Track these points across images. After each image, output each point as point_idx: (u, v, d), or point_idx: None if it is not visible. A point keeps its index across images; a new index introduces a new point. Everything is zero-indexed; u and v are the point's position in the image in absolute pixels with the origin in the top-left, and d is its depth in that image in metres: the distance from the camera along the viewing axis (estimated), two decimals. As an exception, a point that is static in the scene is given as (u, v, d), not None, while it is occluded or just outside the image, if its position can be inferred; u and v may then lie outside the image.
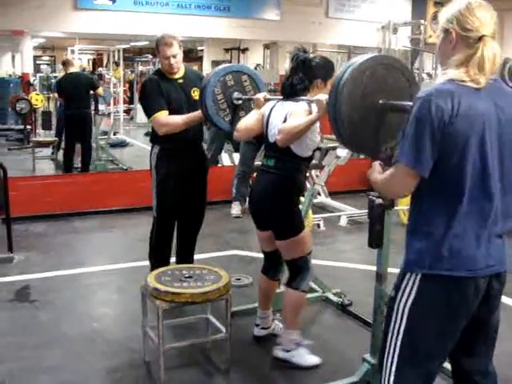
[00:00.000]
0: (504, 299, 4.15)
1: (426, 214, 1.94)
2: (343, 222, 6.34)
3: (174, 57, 3.86)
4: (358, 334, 3.66)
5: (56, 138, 9.58)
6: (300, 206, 3.32)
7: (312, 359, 3.28)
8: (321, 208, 6.85)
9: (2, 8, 6.41)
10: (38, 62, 17.42)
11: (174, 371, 3.19)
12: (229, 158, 7.68)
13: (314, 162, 6.14)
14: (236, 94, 3.66)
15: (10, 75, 14.80)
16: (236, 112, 3.68)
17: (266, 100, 3.32)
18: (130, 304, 4.06)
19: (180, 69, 3.97)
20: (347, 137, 2.39)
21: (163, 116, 3.80)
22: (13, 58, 17.76)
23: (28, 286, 4.43)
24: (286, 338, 3.27)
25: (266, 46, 11.85)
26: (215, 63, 11.16)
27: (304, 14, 7.84)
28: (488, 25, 1.88)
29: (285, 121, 3.01)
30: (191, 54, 15.30)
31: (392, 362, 2.00)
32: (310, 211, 5.24)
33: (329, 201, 6.96)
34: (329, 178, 6.30)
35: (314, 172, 6.60)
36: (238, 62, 11.95)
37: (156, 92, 3.84)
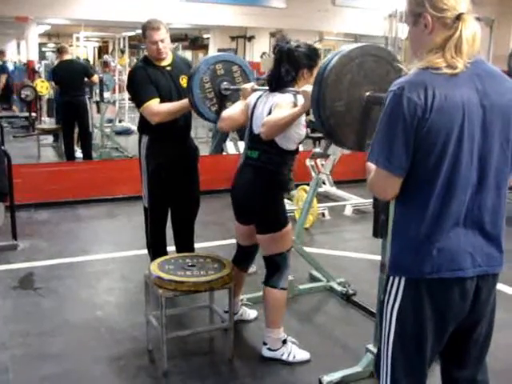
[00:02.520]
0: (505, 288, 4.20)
1: (405, 216, 1.83)
2: (348, 211, 6.31)
3: (162, 41, 3.79)
4: (362, 324, 3.64)
5: (60, 126, 9.57)
6: (285, 199, 3.22)
7: (301, 355, 3.23)
8: (326, 197, 6.82)
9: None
10: (43, 49, 17.37)
11: (176, 360, 3.18)
12: (234, 147, 7.64)
13: (319, 150, 6.19)
14: (224, 84, 3.61)
15: (15, 62, 14.79)
16: (223, 102, 3.62)
17: (254, 90, 3.22)
18: (133, 292, 4.06)
19: (168, 55, 3.91)
20: (329, 127, 2.31)
21: (155, 104, 3.73)
22: (18, 45, 17.73)
23: (32, 273, 4.43)
24: (271, 337, 3.20)
25: (272, 35, 11.78)
26: (221, 51, 11.10)
27: (310, 1, 7.78)
28: (463, 1, 1.73)
29: (270, 113, 2.92)
30: (197, 42, 15.21)
31: (387, 370, 1.91)
32: (315, 200, 5.21)
33: (334, 190, 6.93)
34: (334, 167, 6.30)
35: (319, 161, 6.57)
36: (244, 50, 11.90)
37: (145, 80, 3.78)
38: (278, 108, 2.87)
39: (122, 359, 3.21)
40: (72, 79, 7.83)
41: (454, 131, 1.67)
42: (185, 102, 3.71)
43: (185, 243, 4.19)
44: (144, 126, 3.92)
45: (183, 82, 3.83)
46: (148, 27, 3.80)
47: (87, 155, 8.12)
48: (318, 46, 9.75)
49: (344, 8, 8.03)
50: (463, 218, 1.76)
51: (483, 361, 2.02)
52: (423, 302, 1.80)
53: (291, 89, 2.96)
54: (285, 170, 3.06)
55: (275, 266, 3.14)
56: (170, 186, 4.02)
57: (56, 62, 9.45)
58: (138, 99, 3.81)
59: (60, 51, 8.18)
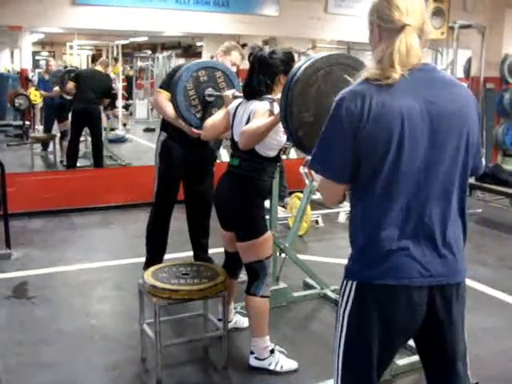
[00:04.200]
0: (505, 297, 4.22)
1: (355, 220, 1.84)
2: (342, 218, 6.33)
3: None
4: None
5: (54, 134, 9.56)
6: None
7: (289, 364, 3.21)
8: (319, 204, 6.81)
9: (-1, 3, 6.39)
10: (37, 57, 17.36)
11: (171, 368, 3.18)
12: (227, 154, 7.64)
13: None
14: (208, 91, 3.64)
15: (8, 71, 14.76)
16: (207, 109, 3.66)
17: (234, 97, 3.22)
18: (127, 300, 4.06)
19: None
20: (297, 138, 2.32)
21: (162, 95, 3.89)
22: (11, 53, 17.69)
23: (26, 282, 4.42)
24: (258, 346, 3.17)
25: (265, 42, 11.81)
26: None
27: (303, 9, 7.79)
28: (411, 13, 1.72)
29: (248, 120, 2.92)
30: (190, 50, 15.24)
31: (338, 374, 1.91)
32: (309, 207, 5.22)
33: (328, 197, 6.93)
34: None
35: (312, 168, 6.59)
36: (237, 57, 11.93)
37: (171, 74, 3.96)
38: (255, 116, 2.86)
39: (117, 368, 3.21)
40: (92, 89, 7.82)
41: (393, 139, 1.68)
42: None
43: (198, 244, 4.33)
44: (165, 123, 4.06)
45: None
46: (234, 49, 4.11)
47: (99, 163, 8.05)
48: (310, 53, 9.82)
49: (336, 16, 8.05)
50: (411, 226, 1.74)
51: (464, 369, 1.94)
52: (369, 307, 1.79)
53: (268, 96, 2.94)
54: (265, 177, 3.06)
55: (255, 274, 3.12)
56: (179, 186, 4.17)
57: (56, 71, 9.56)
58: (160, 83, 4.15)
59: (99, 62, 8.42)
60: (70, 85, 8.02)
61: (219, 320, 3.42)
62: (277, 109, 2.80)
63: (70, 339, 3.53)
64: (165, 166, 4.08)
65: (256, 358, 3.20)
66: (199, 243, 4.37)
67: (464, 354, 1.93)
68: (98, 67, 8.27)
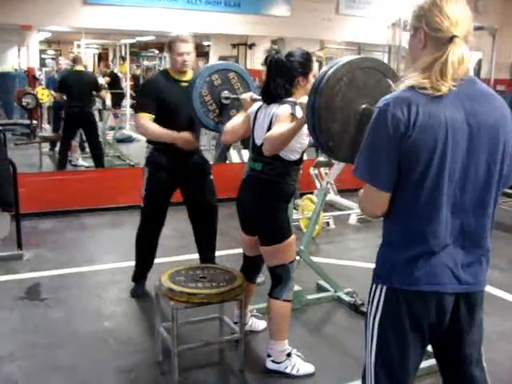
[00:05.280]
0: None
1: (389, 227, 1.86)
2: (353, 220, 6.31)
3: (188, 54, 3.87)
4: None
5: (59, 134, 9.56)
6: (291, 210, 3.19)
7: (306, 368, 3.20)
8: (330, 206, 6.81)
9: (11, 2, 6.38)
10: (43, 56, 17.36)
11: (187, 372, 3.17)
12: (237, 155, 7.63)
13: (323, 159, 6.19)
14: (224, 93, 3.62)
15: (15, 69, 14.75)
16: (226, 112, 3.63)
17: (253, 100, 3.19)
18: (140, 302, 4.06)
19: (189, 71, 3.97)
20: (328, 149, 2.30)
21: (145, 118, 3.86)
22: (18, 52, 17.70)
23: (38, 283, 4.41)
24: (275, 349, 3.17)
25: (274, 42, 11.79)
26: (222, 59, 11.10)
27: (314, 10, 7.76)
28: (460, 24, 1.72)
29: (270, 124, 2.89)
30: (198, 49, 15.25)
31: (371, 381, 1.91)
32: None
33: (338, 198, 6.92)
34: (338, 176, 6.28)
35: (322, 169, 6.57)
36: (245, 57, 11.90)
37: (151, 93, 3.90)
38: (278, 121, 2.82)
39: (133, 371, 3.20)
40: (81, 91, 7.80)
41: (437, 149, 1.68)
42: (170, 134, 3.81)
43: (203, 252, 4.27)
44: None
45: None
46: (177, 39, 3.88)
47: (100, 164, 8.03)
48: (319, 53, 9.79)
49: (347, 17, 8.03)
50: (446, 235, 1.77)
51: (480, 370, 1.97)
52: (402, 312, 1.82)
53: (289, 99, 2.91)
54: (289, 181, 3.04)
55: (278, 278, 3.12)
56: (170, 196, 4.10)
57: (63, 71, 9.49)
58: (136, 107, 4.12)
59: (75, 61, 8.22)
60: (57, 95, 8.05)
61: (235, 323, 3.40)
62: (299, 112, 2.79)
63: (84, 342, 3.52)
64: (153, 169, 4.02)
65: (273, 361, 3.19)
66: (206, 245, 4.28)
67: (481, 358, 1.97)
68: (79, 67, 8.11)
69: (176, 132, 3.82)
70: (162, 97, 3.85)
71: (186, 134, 3.85)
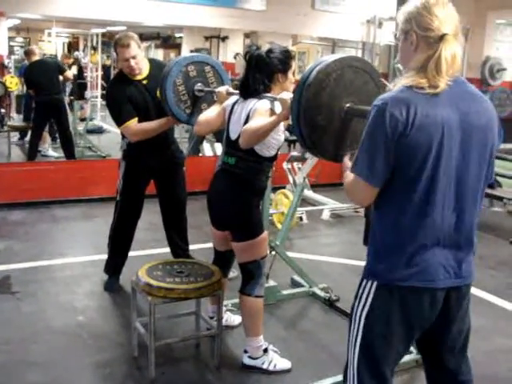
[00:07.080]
0: (489, 297, 4.27)
1: (382, 223, 1.90)
2: (325, 215, 6.34)
3: (134, 58, 3.73)
4: (347, 330, 3.64)
5: (29, 124, 9.39)
6: (267, 204, 3.20)
7: (282, 364, 3.20)
8: (303, 201, 6.83)
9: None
10: (11, 43, 17.03)
11: (163, 367, 3.14)
12: (210, 148, 7.61)
13: (296, 154, 6.20)
14: (198, 86, 3.58)
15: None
16: (197, 104, 3.60)
17: (229, 94, 3.17)
18: (113, 296, 4.03)
19: (143, 69, 3.85)
20: (311, 143, 2.31)
21: (134, 125, 3.75)
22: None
23: (9, 276, 4.33)
24: (251, 345, 3.17)
25: (246, 35, 11.76)
26: (195, 51, 11.05)
27: (290, 4, 7.76)
28: (449, 23, 1.78)
29: (247, 118, 2.87)
30: (169, 41, 15.09)
31: (353, 374, 1.96)
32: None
33: (311, 194, 6.95)
34: (311, 171, 6.31)
35: (295, 164, 6.59)
36: (218, 50, 11.85)
37: (122, 99, 3.76)
38: (256, 115, 2.80)
39: (108, 366, 3.16)
40: (47, 78, 7.69)
41: (433, 148, 1.73)
42: (163, 121, 3.73)
43: (174, 244, 4.26)
44: (122, 133, 3.93)
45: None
46: (118, 44, 3.74)
47: (70, 155, 7.92)
48: (292, 48, 9.80)
49: (323, 12, 8.05)
50: (440, 232, 1.83)
51: (464, 360, 2.08)
52: (393, 307, 1.87)
53: (268, 95, 2.90)
54: (262, 177, 3.03)
55: (249, 274, 3.10)
56: (143, 184, 4.08)
57: (25, 64, 9.30)
58: (118, 119, 3.83)
59: (28, 54, 8.06)
60: (30, 91, 7.92)
61: (211, 318, 3.40)
62: (278, 108, 2.77)
63: (58, 336, 3.48)
64: (129, 171, 3.99)
65: (249, 356, 3.19)
66: (179, 238, 4.28)
67: (465, 348, 2.07)
68: (34, 57, 7.95)
69: (162, 121, 3.75)
70: (131, 100, 3.77)
71: (166, 118, 3.76)
